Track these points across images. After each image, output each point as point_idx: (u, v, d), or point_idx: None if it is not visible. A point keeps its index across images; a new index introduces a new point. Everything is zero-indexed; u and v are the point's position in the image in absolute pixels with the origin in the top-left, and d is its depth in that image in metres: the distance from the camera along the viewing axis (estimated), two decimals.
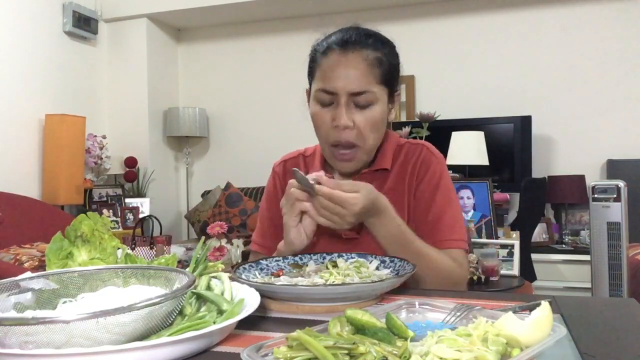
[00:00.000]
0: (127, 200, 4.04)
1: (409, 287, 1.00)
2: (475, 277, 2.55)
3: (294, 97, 4.20)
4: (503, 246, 2.65)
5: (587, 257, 2.75)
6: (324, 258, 1.03)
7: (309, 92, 1.16)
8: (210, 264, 0.85)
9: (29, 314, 0.66)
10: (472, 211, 2.72)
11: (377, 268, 0.99)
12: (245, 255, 2.39)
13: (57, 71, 3.86)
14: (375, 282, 0.86)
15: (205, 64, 4.66)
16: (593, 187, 2.53)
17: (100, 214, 0.88)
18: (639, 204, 3.15)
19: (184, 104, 4.65)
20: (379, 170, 1.16)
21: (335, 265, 0.98)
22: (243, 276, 0.90)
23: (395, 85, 1.13)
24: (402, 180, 1.15)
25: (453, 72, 4.02)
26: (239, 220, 3.88)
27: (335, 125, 1.07)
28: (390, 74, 1.09)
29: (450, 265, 1.07)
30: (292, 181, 1.01)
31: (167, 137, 4.49)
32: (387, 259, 1.00)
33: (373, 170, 1.16)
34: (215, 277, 0.82)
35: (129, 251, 0.87)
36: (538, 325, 0.59)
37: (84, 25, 4.01)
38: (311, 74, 1.13)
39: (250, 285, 0.80)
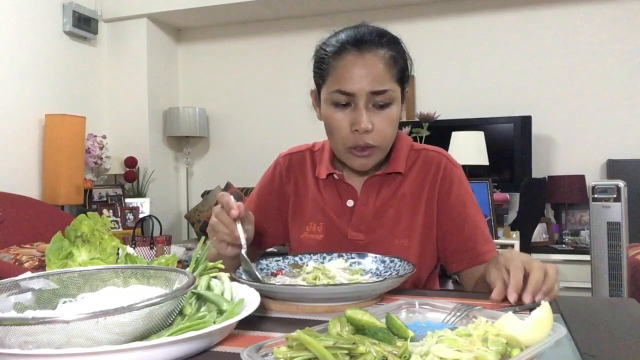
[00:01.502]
0: (127, 200, 4.03)
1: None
2: None
3: (294, 97, 4.21)
4: (503, 246, 2.66)
5: (587, 257, 2.75)
6: (324, 258, 1.03)
7: (315, 94, 1.13)
8: (210, 264, 0.85)
9: (29, 314, 0.66)
10: None
11: (377, 268, 0.99)
12: None
13: (57, 71, 3.86)
14: (376, 282, 0.86)
15: (205, 64, 4.66)
16: (593, 187, 2.53)
17: (100, 214, 0.88)
18: (639, 204, 3.15)
19: (184, 104, 4.65)
20: (391, 173, 1.14)
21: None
22: (243, 276, 0.90)
23: (406, 84, 1.11)
24: (420, 188, 1.14)
25: (453, 72, 4.02)
26: None
27: (355, 129, 1.03)
28: (403, 71, 1.07)
29: None
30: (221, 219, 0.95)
31: (167, 137, 4.49)
32: (387, 258, 1.00)
33: (386, 173, 1.14)
34: (215, 277, 0.82)
35: (130, 250, 0.87)
36: (538, 325, 0.59)
37: (84, 25, 4.01)
38: (321, 76, 1.08)
39: (250, 285, 0.80)
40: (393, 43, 1.06)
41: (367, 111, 1.03)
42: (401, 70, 1.06)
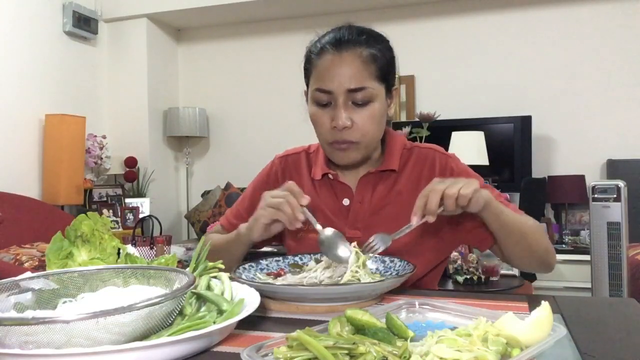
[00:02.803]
0: (127, 200, 4.03)
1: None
2: (475, 277, 2.55)
3: (293, 97, 4.20)
4: None
5: (587, 257, 2.75)
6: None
7: (307, 93, 1.16)
8: (210, 264, 0.85)
9: (29, 314, 0.66)
10: None
11: (377, 268, 0.99)
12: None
13: (57, 71, 3.86)
14: (376, 282, 0.86)
15: (205, 64, 4.66)
16: (593, 187, 2.53)
17: (100, 214, 0.88)
18: (639, 204, 3.15)
19: (184, 104, 4.65)
20: (385, 171, 1.15)
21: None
22: (243, 276, 0.90)
23: (392, 80, 1.12)
24: (415, 185, 1.14)
25: (453, 72, 4.02)
26: None
27: (333, 126, 1.06)
28: (386, 69, 1.09)
29: (537, 225, 1.14)
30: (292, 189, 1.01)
31: (167, 137, 4.49)
32: (387, 258, 1.00)
33: (380, 171, 1.15)
34: (215, 277, 0.82)
35: (132, 249, 0.87)
36: (538, 325, 0.59)
37: (84, 25, 4.01)
38: (307, 76, 1.13)
39: (250, 285, 0.80)
40: (373, 41, 1.08)
41: (345, 108, 1.05)
42: (383, 67, 1.08)
